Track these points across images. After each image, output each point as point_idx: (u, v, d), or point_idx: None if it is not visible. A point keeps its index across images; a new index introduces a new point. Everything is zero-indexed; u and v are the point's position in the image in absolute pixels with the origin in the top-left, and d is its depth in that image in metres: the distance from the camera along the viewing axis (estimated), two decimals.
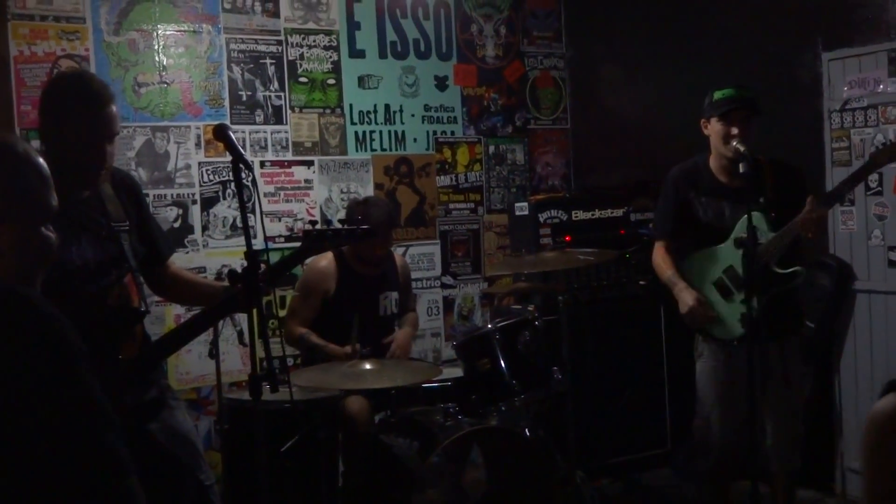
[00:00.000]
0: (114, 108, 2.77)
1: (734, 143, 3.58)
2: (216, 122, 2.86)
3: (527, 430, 3.84)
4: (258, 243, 4.29)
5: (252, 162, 4.76)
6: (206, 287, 3.16)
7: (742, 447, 3.86)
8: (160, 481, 2.75)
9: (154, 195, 4.59)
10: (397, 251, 4.72)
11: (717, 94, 3.69)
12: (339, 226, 2.92)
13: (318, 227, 2.88)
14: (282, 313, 4.76)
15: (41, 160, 1.60)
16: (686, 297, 3.77)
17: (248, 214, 2.68)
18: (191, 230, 4.72)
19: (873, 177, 4.36)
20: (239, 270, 2.65)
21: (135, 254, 2.87)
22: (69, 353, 1.45)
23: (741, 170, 3.47)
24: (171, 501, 2.79)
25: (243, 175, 2.67)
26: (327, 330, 4.15)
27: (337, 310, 4.21)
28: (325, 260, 4.26)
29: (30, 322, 1.44)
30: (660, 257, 3.97)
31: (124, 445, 1.44)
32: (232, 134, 2.68)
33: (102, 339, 2.67)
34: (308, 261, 4.38)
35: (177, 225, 4.67)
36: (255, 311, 2.67)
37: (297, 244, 2.87)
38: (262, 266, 2.66)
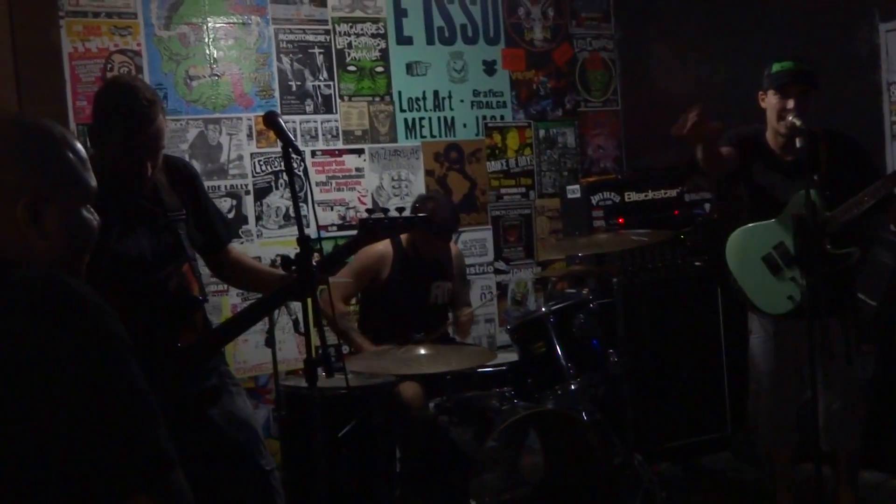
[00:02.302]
0: (158, 122, 2.74)
1: (790, 118, 3.51)
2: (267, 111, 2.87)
3: (584, 413, 3.81)
4: (311, 232, 4.30)
5: (303, 151, 4.82)
6: (266, 274, 3.17)
7: (794, 426, 3.81)
8: (221, 466, 2.79)
9: (208, 187, 4.61)
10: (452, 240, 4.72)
11: (776, 67, 3.62)
12: (395, 213, 2.91)
13: (374, 215, 2.87)
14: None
15: (78, 143, 1.61)
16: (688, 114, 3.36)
17: (301, 203, 2.69)
18: (245, 221, 4.76)
19: None
20: (292, 256, 2.68)
21: (192, 242, 2.89)
22: (113, 344, 1.43)
23: (797, 144, 3.40)
24: (233, 486, 2.82)
25: (294, 164, 2.69)
26: (376, 314, 4.17)
27: (388, 295, 4.22)
28: (382, 244, 4.24)
29: (73, 312, 1.42)
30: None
31: (169, 439, 1.43)
32: (282, 121, 2.69)
33: (162, 328, 2.70)
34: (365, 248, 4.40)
35: (231, 216, 4.71)
36: (309, 298, 2.69)
37: (352, 232, 2.89)
38: (317, 255, 2.67)
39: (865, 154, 3.73)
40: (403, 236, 4.24)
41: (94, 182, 1.60)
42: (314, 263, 2.68)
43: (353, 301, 4.46)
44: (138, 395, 1.42)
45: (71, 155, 1.57)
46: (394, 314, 4.15)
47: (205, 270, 3.22)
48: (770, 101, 3.63)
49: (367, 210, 2.92)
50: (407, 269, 4.25)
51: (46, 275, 1.47)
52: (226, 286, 4.32)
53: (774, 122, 3.62)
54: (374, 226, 2.83)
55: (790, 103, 3.54)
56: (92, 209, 1.60)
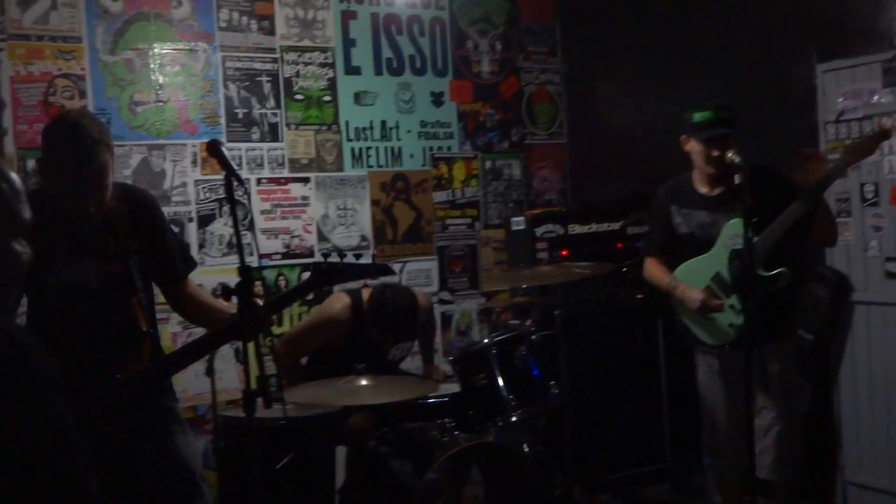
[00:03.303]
0: (102, 161, 2.72)
1: (729, 155, 3.59)
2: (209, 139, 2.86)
3: (524, 445, 3.82)
4: (253, 260, 4.27)
5: (248, 179, 4.80)
6: (217, 311, 3.09)
7: (745, 456, 3.85)
8: (151, 502, 2.74)
9: None
10: (419, 291, 4.54)
11: (697, 117, 3.75)
12: (351, 259, 2.83)
13: (329, 259, 2.81)
14: (278, 329, 4.74)
15: (13, 174, 1.59)
16: (692, 294, 3.79)
17: (244, 232, 2.68)
18: (187, 248, 4.70)
19: (869, 187, 4.37)
20: (232, 286, 2.66)
21: (143, 274, 2.86)
22: (37, 381, 1.41)
23: (737, 181, 3.47)
24: None
25: (237, 192, 2.68)
26: (325, 367, 4.07)
27: (340, 356, 4.08)
28: (341, 304, 4.13)
29: (2, 351, 1.41)
30: (652, 268, 4.01)
31: (94, 480, 1.41)
32: (224, 149, 2.68)
33: (103, 358, 2.67)
34: (326, 301, 4.31)
35: None
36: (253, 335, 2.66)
37: (296, 261, 2.87)
38: (261, 294, 2.66)
39: (788, 183, 3.79)
40: (365, 296, 4.13)
41: (27, 214, 1.58)
42: (261, 303, 2.66)
43: None
44: (62, 433, 1.40)
45: (4, 185, 1.55)
46: (345, 369, 4.03)
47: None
48: (694, 147, 3.76)
49: (323, 254, 2.86)
50: (364, 336, 4.10)
51: None
52: (168, 315, 4.26)
53: (702, 164, 3.74)
54: (327, 271, 2.78)
55: (715, 151, 3.66)
56: (24, 242, 1.58)
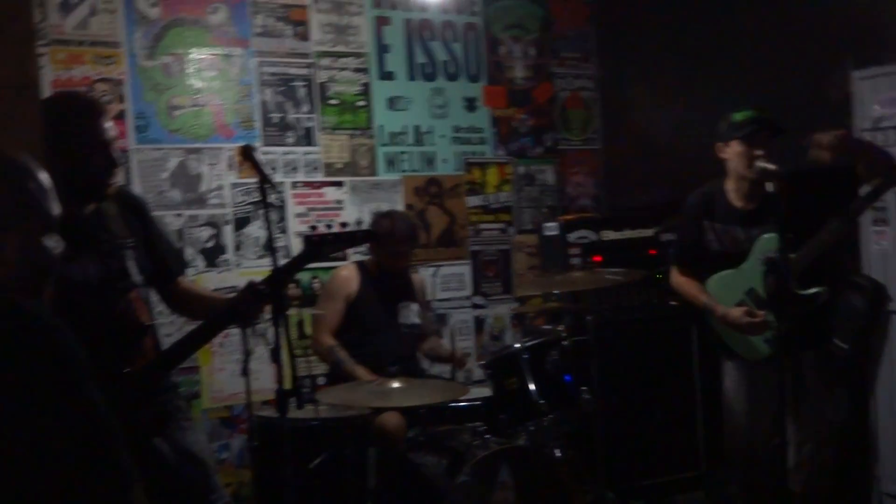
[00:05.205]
0: (109, 119, 2.75)
1: (759, 163, 3.54)
2: (243, 143, 2.90)
3: (556, 450, 3.82)
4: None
5: (283, 183, 4.85)
6: (214, 300, 3.11)
7: (771, 467, 3.81)
8: (164, 498, 2.75)
9: (187, 216, 4.66)
10: (419, 272, 4.84)
11: (738, 116, 3.65)
12: (338, 229, 2.90)
13: (318, 231, 2.87)
14: (310, 331, 4.77)
15: (42, 172, 1.63)
16: (735, 315, 3.71)
17: (278, 234, 2.70)
18: (223, 250, 4.77)
19: None
20: (258, 282, 2.70)
21: (141, 270, 2.87)
22: (73, 365, 1.47)
23: (769, 189, 3.43)
24: None
25: (271, 196, 2.71)
26: (348, 336, 4.25)
27: (359, 313, 4.33)
28: (347, 269, 4.45)
29: (34, 335, 1.46)
30: (683, 282, 3.93)
31: (127, 456, 1.45)
32: (257, 154, 2.72)
33: (108, 354, 2.68)
34: (331, 273, 4.48)
35: (210, 245, 4.72)
36: (284, 327, 2.69)
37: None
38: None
39: (830, 186, 3.69)
40: (367, 261, 4.43)
41: (56, 211, 1.63)
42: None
43: None
44: (97, 413, 1.44)
45: (32, 185, 1.60)
46: (365, 334, 4.28)
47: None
48: (735, 150, 3.64)
49: (311, 226, 2.90)
50: (373, 289, 4.40)
51: (7, 301, 1.50)
52: None
53: (743, 169, 3.64)
54: (318, 242, 2.83)
55: (758, 151, 3.57)
56: (55, 238, 1.63)
